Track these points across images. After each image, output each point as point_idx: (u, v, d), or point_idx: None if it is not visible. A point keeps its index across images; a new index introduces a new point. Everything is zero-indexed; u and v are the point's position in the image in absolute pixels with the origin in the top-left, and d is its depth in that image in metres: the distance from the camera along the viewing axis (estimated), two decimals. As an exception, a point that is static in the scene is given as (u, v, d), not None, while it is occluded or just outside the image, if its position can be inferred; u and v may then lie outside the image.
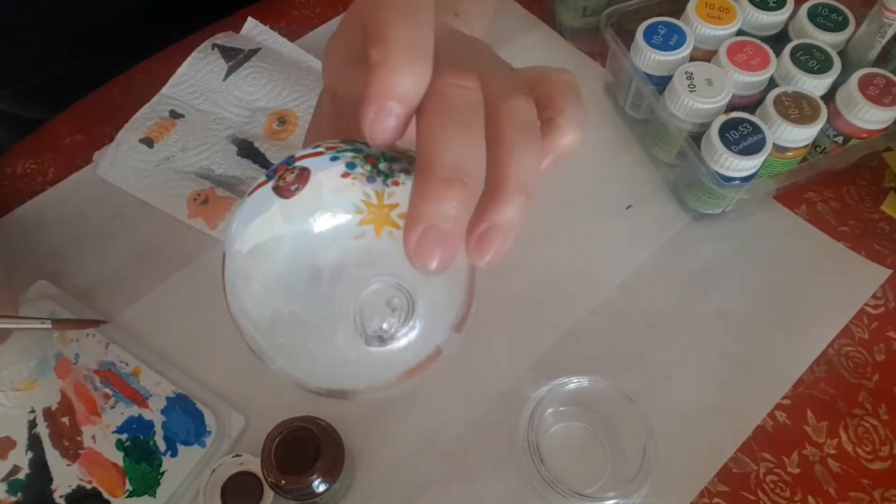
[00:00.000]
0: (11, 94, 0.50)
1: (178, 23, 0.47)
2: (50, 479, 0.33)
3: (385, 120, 0.17)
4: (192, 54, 0.43)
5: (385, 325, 0.18)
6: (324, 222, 0.18)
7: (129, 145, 0.40)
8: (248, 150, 0.41)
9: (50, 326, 0.32)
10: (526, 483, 0.33)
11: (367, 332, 0.18)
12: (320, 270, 0.18)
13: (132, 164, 0.40)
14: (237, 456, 0.32)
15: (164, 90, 0.43)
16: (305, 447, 0.29)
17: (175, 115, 0.42)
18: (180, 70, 0.43)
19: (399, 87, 0.17)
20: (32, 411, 0.34)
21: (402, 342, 0.19)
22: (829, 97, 0.38)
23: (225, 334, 0.37)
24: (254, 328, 0.19)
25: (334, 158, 0.18)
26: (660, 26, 0.39)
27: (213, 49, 0.44)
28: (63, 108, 0.44)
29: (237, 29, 0.46)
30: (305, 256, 0.18)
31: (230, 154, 0.41)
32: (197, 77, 0.43)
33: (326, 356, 0.20)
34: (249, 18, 0.46)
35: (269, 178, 0.18)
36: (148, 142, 0.41)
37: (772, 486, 0.33)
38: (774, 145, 0.36)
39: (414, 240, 0.16)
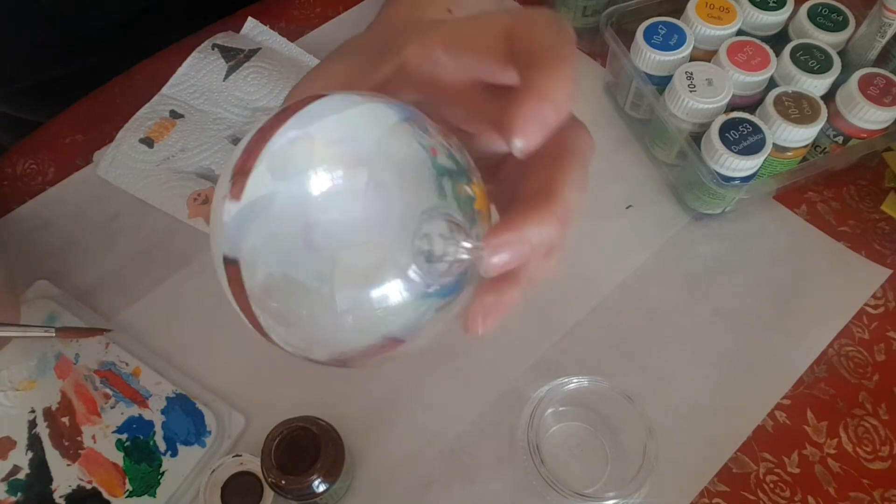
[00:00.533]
0: (10, 94, 0.50)
1: (178, 23, 0.47)
2: (50, 479, 0.33)
3: (541, 119, 0.18)
4: (192, 54, 0.43)
5: (439, 247, 0.17)
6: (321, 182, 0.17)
7: (129, 145, 0.40)
8: (248, 150, 0.41)
9: (54, 334, 0.32)
10: (526, 483, 0.33)
11: (420, 244, 0.17)
12: (315, 228, 0.17)
13: (132, 164, 0.40)
14: (237, 456, 0.32)
15: (164, 90, 0.43)
16: (305, 447, 0.29)
17: (175, 115, 0.42)
18: (180, 70, 0.43)
19: (563, 99, 0.18)
20: (32, 411, 0.34)
21: (445, 268, 0.17)
22: (829, 97, 0.38)
23: (225, 334, 0.37)
24: (248, 294, 0.19)
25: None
26: (660, 26, 0.39)
27: (213, 49, 0.44)
28: (61, 109, 0.44)
29: (237, 29, 0.46)
30: (300, 215, 0.17)
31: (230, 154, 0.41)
32: (197, 77, 0.43)
33: (324, 322, 0.18)
34: (249, 18, 0.46)
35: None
36: (148, 142, 0.41)
37: (772, 486, 0.33)
38: (774, 145, 0.36)
39: (501, 252, 0.17)
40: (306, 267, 0.17)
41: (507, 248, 0.17)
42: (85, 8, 0.44)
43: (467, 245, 0.17)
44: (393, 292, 0.17)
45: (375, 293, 0.17)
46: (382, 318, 0.18)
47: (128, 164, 0.40)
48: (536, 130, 0.18)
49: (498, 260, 0.17)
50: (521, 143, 0.18)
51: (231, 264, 0.18)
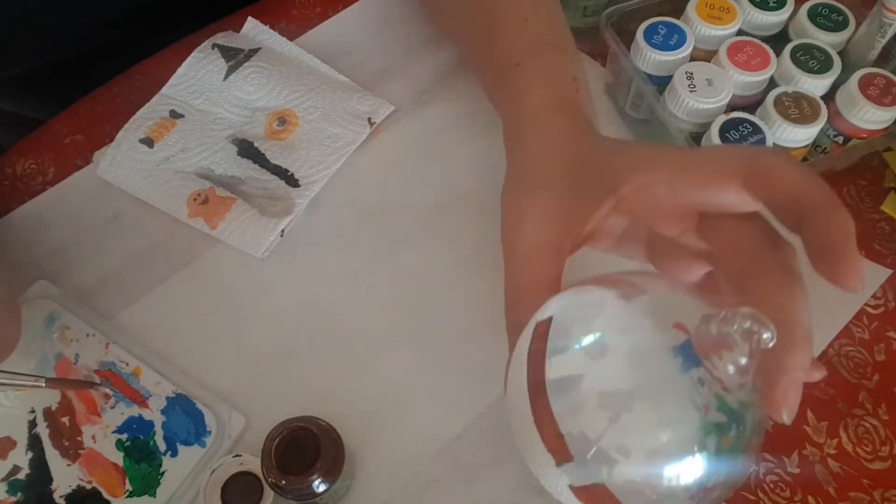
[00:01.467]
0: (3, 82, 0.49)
1: (178, 23, 0.47)
2: (50, 479, 0.33)
3: (797, 391, 0.20)
4: (192, 54, 0.43)
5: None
6: None
7: (129, 145, 0.40)
8: (248, 149, 0.41)
9: (43, 385, 0.32)
10: (526, 483, 0.33)
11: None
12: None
13: (132, 164, 0.40)
14: (237, 456, 0.32)
15: (164, 90, 0.43)
16: (305, 447, 0.29)
17: (175, 114, 0.42)
18: (180, 70, 0.43)
19: (804, 364, 0.20)
20: (32, 411, 0.34)
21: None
22: (829, 97, 0.38)
23: (225, 334, 0.37)
24: None
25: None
26: (660, 26, 0.39)
27: (213, 49, 0.44)
28: (57, 105, 0.44)
29: (237, 29, 0.46)
30: None
31: (230, 154, 0.41)
32: (197, 77, 0.43)
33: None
34: (250, 18, 0.46)
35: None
36: (148, 142, 0.41)
37: (772, 486, 0.33)
38: (774, 145, 0.36)
39: (788, 401, 0.19)
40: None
41: (789, 394, 0.19)
42: (84, 7, 0.44)
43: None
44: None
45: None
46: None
47: (128, 164, 0.40)
48: (796, 397, 0.20)
49: (788, 409, 0.20)
50: (788, 416, 0.20)
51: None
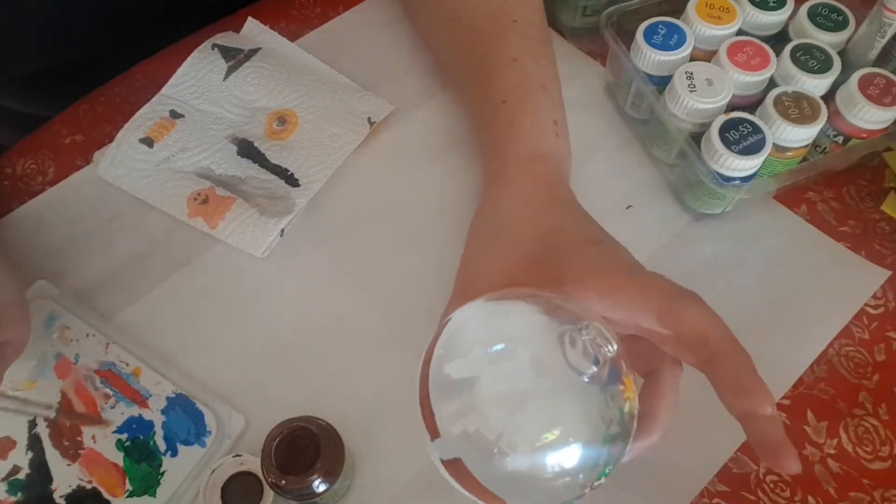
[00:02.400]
0: (6, 81, 0.49)
1: (178, 23, 0.47)
2: (50, 479, 0.33)
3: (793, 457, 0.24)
4: (193, 54, 0.43)
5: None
6: None
7: (129, 145, 0.40)
8: (247, 149, 0.41)
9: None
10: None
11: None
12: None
13: (132, 164, 0.40)
14: (237, 456, 0.32)
15: (164, 90, 0.43)
16: (305, 447, 0.29)
17: (175, 114, 0.42)
18: (180, 70, 0.43)
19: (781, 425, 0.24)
20: (32, 411, 0.34)
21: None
22: (829, 97, 0.38)
23: (225, 334, 0.37)
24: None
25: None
26: (660, 26, 0.40)
27: (213, 49, 0.44)
28: (57, 104, 0.44)
29: (237, 29, 0.46)
30: None
31: (230, 154, 0.41)
32: (197, 77, 0.43)
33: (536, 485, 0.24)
34: (249, 18, 0.46)
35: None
36: (148, 142, 0.41)
37: (772, 486, 0.33)
38: (774, 145, 0.36)
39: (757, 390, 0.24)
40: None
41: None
42: (84, 8, 0.44)
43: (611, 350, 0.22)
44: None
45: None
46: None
47: (128, 164, 0.40)
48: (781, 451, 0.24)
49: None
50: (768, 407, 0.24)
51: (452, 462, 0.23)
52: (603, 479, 0.24)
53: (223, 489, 0.32)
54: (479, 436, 0.22)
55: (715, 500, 0.33)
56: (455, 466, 0.23)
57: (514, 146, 0.34)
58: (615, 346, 0.22)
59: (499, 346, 0.24)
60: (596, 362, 0.22)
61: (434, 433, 0.24)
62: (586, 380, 0.22)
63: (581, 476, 0.23)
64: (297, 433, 0.29)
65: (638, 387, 0.25)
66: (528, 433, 0.22)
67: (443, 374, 0.24)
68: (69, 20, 0.45)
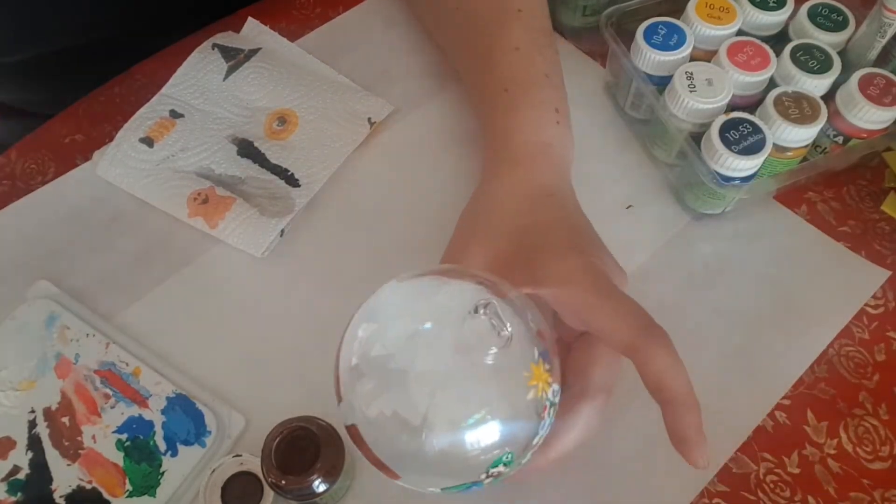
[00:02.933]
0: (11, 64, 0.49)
1: (178, 23, 0.47)
2: (50, 479, 0.33)
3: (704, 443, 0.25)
4: (192, 54, 0.43)
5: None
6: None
7: (129, 145, 0.40)
8: (247, 149, 0.41)
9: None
10: (525, 483, 0.33)
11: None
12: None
13: (132, 163, 0.40)
14: (237, 456, 0.32)
15: (164, 90, 0.43)
16: (305, 447, 0.29)
17: (175, 114, 0.42)
18: (180, 70, 0.43)
19: (700, 420, 0.26)
20: (32, 411, 0.34)
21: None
22: (829, 97, 0.38)
23: (225, 334, 0.37)
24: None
25: None
26: (660, 26, 0.40)
27: (213, 49, 0.44)
28: (57, 104, 0.44)
29: (237, 29, 0.46)
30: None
31: (230, 154, 0.41)
32: (197, 77, 0.43)
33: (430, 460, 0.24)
34: (250, 19, 0.46)
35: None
36: (148, 141, 0.41)
37: (772, 486, 0.33)
38: (774, 145, 0.36)
39: (700, 442, 0.25)
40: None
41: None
42: (83, 8, 0.44)
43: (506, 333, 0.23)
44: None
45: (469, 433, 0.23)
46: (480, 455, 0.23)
47: (128, 163, 0.40)
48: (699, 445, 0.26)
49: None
50: (703, 461, 0.26)
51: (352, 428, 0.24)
52: (503, 468, 0.24)
53: (223, 489, 0.32)
54: (375, 408, 0.23)
55: (715, 500, 0.33)
56: (353, 432, 0.24)
57: (515, 135, 0.34)
58: (510, 329, 0.22)
59: (407, 323, 0.24)
60: (497, 343, 0.22)
61: (339, 398, 0.25)
62: (489, 361, 0.22)
63: (474, 459, 0.23)
64: (297, 433, 0.29)
65: (554, 375, 0.25)
66: (421, 410, 0.22)
67: (354, 344, 0.25)
68: (65, 12, 0.45)
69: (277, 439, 0.29)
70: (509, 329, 0.22)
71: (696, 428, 0.25)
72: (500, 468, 0.24)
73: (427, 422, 0.22)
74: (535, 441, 0.24)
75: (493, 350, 0.22)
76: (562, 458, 0.28)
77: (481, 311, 0.22)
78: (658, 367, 0.25)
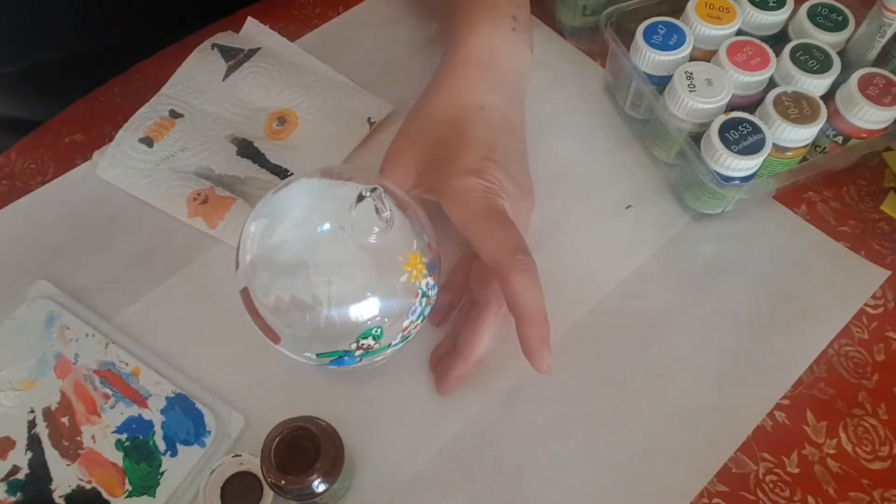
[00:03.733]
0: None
1: (178, 23, 0.46)
2: (49, 479, 0.33)
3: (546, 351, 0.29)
4: (192, 54, 0.43)
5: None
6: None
7: (129, 145, 0.40)
8: (247, 149, 0.41)
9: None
10: (525, 483, 0.33)
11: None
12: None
13: (132, 163, 0.40)
14: (237, 456, 0.32)
15: (163, 90, 0.43)
16: (305, 447, 0.29)
17: (175, 114, 0.42)
18: (180, 70, 0.43)
19: (546, 333, 0.29)
20: (32, 411, 0.34)
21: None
22: (828, 97, 0.38)
23: (225, 334, 0.37)
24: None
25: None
26: (659, 26, 0.40)
27: (212, 49, 0.44)
28: (56, 105, 0.44)
29: (237, 29, 0.46)
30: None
31: (230, 154, 0.41)
32: (197, 77, 0.43)
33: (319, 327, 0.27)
34: (249, 18, 0.46)
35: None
36: (147, 141, 0.41)
37: (771, 485, 0.33)
38: (774, 145, 0.36)
39: (542, 351, 0.29)
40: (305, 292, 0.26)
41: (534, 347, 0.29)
42: (82, 8, 0.44)
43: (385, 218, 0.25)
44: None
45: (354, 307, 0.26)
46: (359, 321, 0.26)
47: (127, 163, 0.40)
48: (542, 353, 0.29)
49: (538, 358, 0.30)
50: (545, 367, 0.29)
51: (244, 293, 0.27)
52: (372, 341, 0.26)
53: (223, 489, 0.32)
54: (269, 277, 0.27)
55: (714, 500, 0.33)
56: (245, 295, 0.27)
57: (466, 37, 0.35)
58: (389, 212, 0.25)
59: (301, 214, 0.27)
60: (378, 224, 0.25)
61: (237, 267, 0.28)
62: (371, 240, 0.25)
63: (347, 328, 0.26)
64: (296, 433, 0.29)
65: (433, 274, 0.28)
66: (306, 287, 0.25)
67: (248, 239, 0.28)
68: (62, 17, 0.45)
69: (277, 439, 0.29)
70: (389, 211, 0.25)
71: (539, 339, 0.28)
72: (370, 341, 0.26)
73: (314, 297, 0.25)
74: (405, 323, 0.27)
75: (375, 230, 0.25)
76: (478, 363, 0.32)
77: (367, 194, 0.24)
78: (515, 286, 0.28)
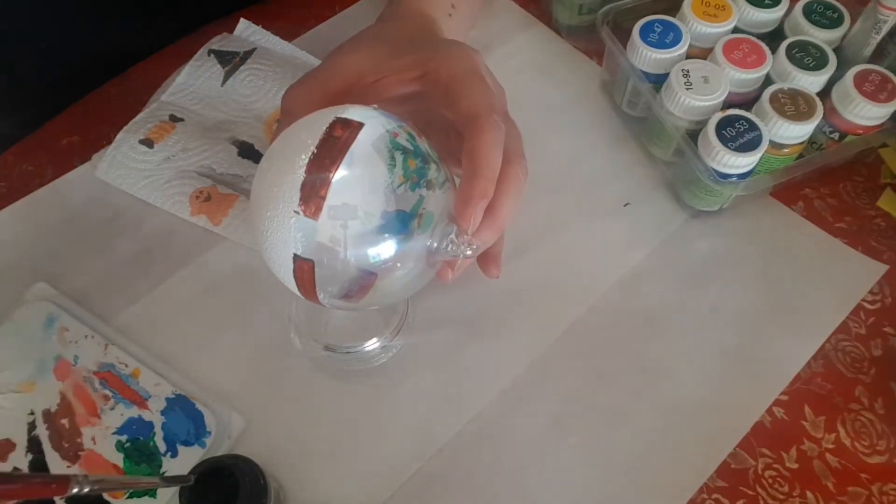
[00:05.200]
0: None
1: (174, 25, 0.46)
2: (50, 481, 0.33)
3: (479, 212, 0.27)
4: (190, 62, 0.43)
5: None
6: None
7: (129, 146, 0.40)
8: (248, 151, 0.41)
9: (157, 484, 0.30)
10: (525, 481, 0.33)
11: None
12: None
13: (132, 164, 0.40)
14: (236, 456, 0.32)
15: (163, 97, 0.42)
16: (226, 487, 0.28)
17: (175, 118, 0.42)
18: (178, 79, 0.43)
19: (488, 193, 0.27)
20: (32, 413, 0.34)
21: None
22: (824, 94, 0.38)
23: (225, 335, 0.37)
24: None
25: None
26: (656, 24, 0.40)
27: (209, 56, 0.44)
28: (56, 105, 0.44)
29: (231, 30, 0.46)
30: None
31: (231, 154, 0.41)
32: (196, 84, 0.43)
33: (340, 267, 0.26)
34: (242, 20, 0.46)
35: None
36: (148, 143, 0.41)
37: (770, 481, 0.34)
38: (771, 142, 0.37)
39: (476, 207, 0.27)
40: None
41: (475, 215, 0.27)
42: (80, 8, 0.44)
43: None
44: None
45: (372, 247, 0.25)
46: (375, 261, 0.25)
47: (128, 164, 0.40)
48: (479, 218, 0.27)
49: (474, 225, 0.27)
50: (471, 229, 0.27)
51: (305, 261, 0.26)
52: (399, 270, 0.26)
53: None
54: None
55: (714, 496, 0.33)
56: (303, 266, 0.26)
57: (403, 3, 0.36)
58: (426, 145, 0.25)
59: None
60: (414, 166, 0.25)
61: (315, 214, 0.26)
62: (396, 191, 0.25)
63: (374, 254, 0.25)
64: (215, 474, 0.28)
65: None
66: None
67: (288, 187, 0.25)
68: (68, 19, 0.44)
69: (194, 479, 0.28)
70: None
71: (480, 194, 0.27)
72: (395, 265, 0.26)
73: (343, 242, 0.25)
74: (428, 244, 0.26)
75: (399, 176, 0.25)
76: (502, 221, 0.29)
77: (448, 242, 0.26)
78: (483, 141, 0.27)
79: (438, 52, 0.30)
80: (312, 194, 0.24)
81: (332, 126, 0.25)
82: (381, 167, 0.25)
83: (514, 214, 0.29)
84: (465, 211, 0.26)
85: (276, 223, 0.25)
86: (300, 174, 0.24)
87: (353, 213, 0.24)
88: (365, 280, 0.26)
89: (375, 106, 0.27)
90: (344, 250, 0.24)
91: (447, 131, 0.32)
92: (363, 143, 0.25)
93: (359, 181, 0.25)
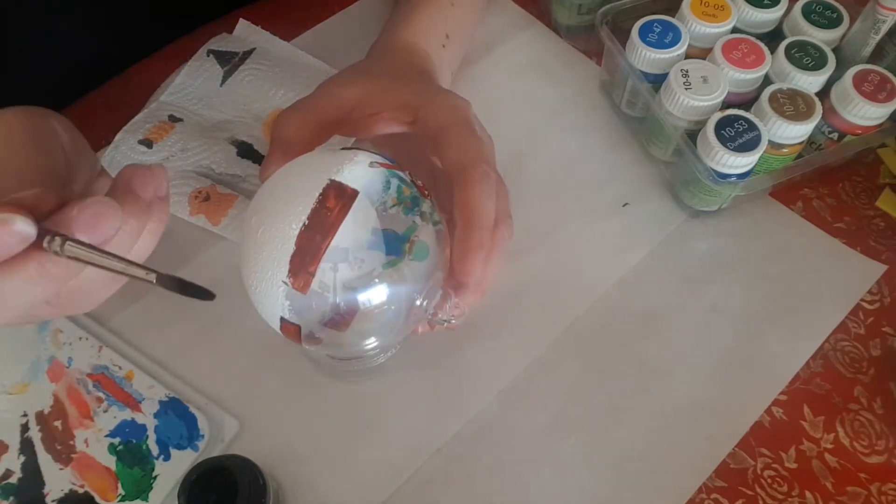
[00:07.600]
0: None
1: (173, 25, 0.46)
2: (42, 484, 0.32)
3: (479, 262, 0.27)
4: (189, 63, 0.43)
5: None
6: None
7: (128, 146, 0.40)
8: (247, 151, 0.41)
9: (153, 281, 0.26)
10: (524, 481, 0.33)
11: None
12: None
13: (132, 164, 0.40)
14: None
15: (162, 98, 0.42)
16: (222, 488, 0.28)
17: (174, 119, 0.41)
18: (178, 79, 0.43)
19: (485, 246, 0.27)
20: (25, 415, 0.34)
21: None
22: (823, 94, 0.38)
23: (219, 338, 0.36)
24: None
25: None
26: (655, 24, 0.40)
27: (208, 56, 0.43)
28: (55, 106, 0.43)
29: (230, 29, 0.46)
30: None
31: (230, 154, 0.41)
32: (195, 84, 0.43)
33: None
34: (241, 20, 0.46)
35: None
36: (147, 143, 0.40)
37: (769, 481, 0.33)
38: (770, 142, 0.37)
39: (476, 257, 0.27)
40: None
41: (474, 265, 0.27)
42: (79, 7, 0.44)
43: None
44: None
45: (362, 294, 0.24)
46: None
47: (127, 164, 0.40)
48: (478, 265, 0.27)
49: (474, 276, 0.27)
50: (470, 278, 0.27)
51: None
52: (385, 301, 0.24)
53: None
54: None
55: (713, 496, 0.33)
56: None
57: (398, 35, 0.36)
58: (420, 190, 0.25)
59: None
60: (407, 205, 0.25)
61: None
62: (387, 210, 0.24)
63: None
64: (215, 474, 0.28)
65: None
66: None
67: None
68: (68, 19, 0.44)
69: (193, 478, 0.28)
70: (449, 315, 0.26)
71: (477, 245, 0.27)
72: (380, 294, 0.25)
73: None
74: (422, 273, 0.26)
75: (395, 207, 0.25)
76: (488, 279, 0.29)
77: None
78: (474, 192, 0.27)
79: (431, 102, 0.30)
80: (301, 270, 0.23)
81: (325, 193, 0.24)
82: (373, 213, 0.24)
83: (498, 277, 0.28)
84: (464, 264, 0.26)
85: (265, 286, 0.24)
86: (290, 245, 0.23)
87: (343, 255, 0.23)
88: (348, 312, 0.25)
89: (375, 153, 0.26)
90: (333, 295, 0.24)
91: (433, 173, 0.32)
92: (359, 201, 0.24)
93: (350, 226, 0.24)
